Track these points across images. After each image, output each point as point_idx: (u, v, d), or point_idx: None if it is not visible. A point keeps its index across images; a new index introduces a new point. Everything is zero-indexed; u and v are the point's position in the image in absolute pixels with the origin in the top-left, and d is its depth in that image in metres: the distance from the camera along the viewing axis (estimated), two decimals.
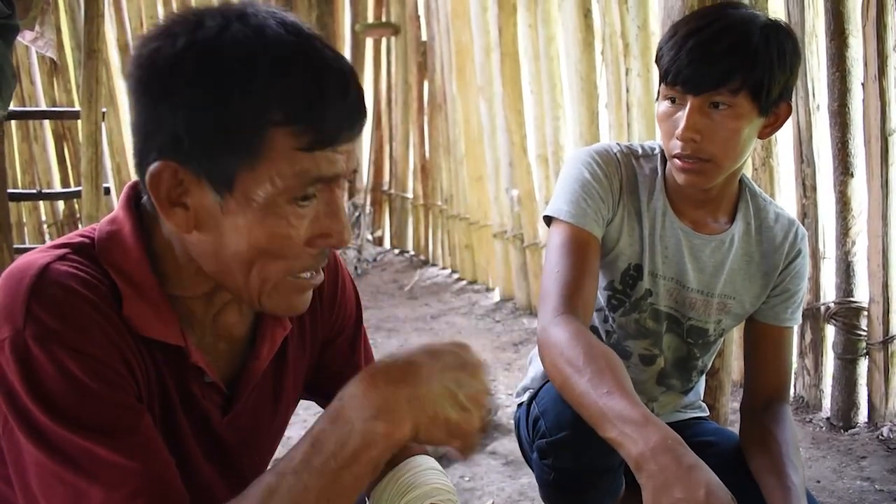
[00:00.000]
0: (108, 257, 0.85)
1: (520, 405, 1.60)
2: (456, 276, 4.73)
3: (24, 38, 2.76)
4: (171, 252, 0.88)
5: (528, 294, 3.91)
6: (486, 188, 4.24)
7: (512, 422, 2.60)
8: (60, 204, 4.96)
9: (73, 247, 0.85)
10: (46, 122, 4.88)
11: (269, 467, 0.98)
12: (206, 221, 0.82)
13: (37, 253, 0.84)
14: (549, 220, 1.44)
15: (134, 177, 0.87)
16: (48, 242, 0.89)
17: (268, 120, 0.78)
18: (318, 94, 0.78)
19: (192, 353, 0.89)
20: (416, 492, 1.06)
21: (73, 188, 4.41)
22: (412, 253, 5.30)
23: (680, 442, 1.03)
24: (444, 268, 4.91)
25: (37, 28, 2.78)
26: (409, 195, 5.25)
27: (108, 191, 3.29)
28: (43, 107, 4.79)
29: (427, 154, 5.00)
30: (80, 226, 5.00)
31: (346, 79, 0.81)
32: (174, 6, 4.90)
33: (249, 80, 0.77)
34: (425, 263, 5.08)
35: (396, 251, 5.40)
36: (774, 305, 1.46)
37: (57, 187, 4.85)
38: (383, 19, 5.26)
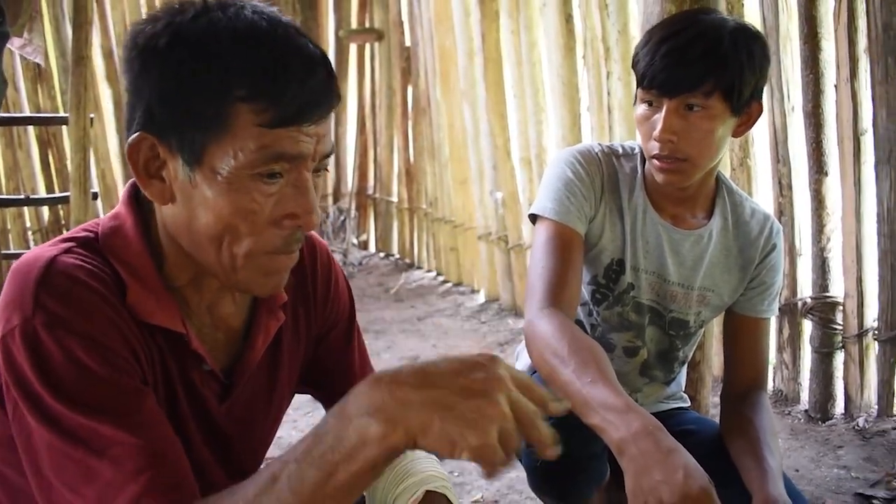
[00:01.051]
0: (111, 250, 0.90)
1: None
2: (441, 278, 4.77)
3: (13, 44, 2.78)
4: (161, 241, 0.93)
5: (513, 295, 3.97)
6: (470, 191, 4.29)
7: None
8: (45, 210, 4.95)
9: (79, 241, 0.90)
10: (31, 129, 4.87)
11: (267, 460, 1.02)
12: (179, 194, 0.87)
13: (44, 247, 0.88)
14: (534, 217, 1.49)
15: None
16: (53, 239, 0.93)
17: (232, 95, 0.82)
18: (282, 73, 0.82)
19: (192, 340, 0.93)
20: (411, 479, 1.10)
21: (59, 194, 4.41)
22: (397, 256, 5.34)
23: (659, 427, 1.08)
24: (429, 270, 4.95)
25: (25, 35, 2.80)
26: (394, 199, 5.29)
27: (96, 196, 3.31)
28: (27, 113, 4.79)
29: (411, 158, 5.03)
30: (65, 232, 5.00)
31: (312, 61, 0.85)
32: None
33: (215, 56, 0.82)
34: (410, 266, 5.12)
35: (381, 255, 5.43)
36: (752, 297, 1.52)
37: (42, 193, 4.85)
38: (367, 25, 5.31)
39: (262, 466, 0.85)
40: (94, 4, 4.63)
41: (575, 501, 1.44)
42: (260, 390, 1.06)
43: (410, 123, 4.99)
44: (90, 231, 0.92)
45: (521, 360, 1.68)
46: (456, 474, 2.23)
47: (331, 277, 1.15)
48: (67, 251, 0.87)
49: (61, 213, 4.93)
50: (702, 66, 1.29)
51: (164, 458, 0.82)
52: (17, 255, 4.47)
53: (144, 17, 0.89)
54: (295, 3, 5.36)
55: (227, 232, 0.86)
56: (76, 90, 2.96)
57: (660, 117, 1.33)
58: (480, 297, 4.31)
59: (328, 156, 0.89)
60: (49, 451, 0.80)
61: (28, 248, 4.74)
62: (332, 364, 1.18)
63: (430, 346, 3.58)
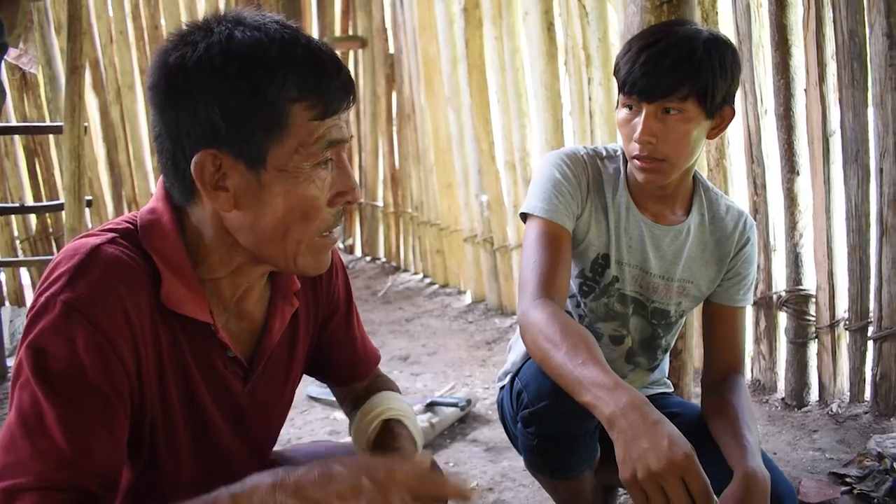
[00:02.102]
0: (150, 242, 0.98)
1: (502, 388, 1.74)
2: (428, 280, 4.86)
3: (9, 55, 2.85)
4: (201, 238, 1.01)
5: (499, 295, 4.06)
6: (456, 194, 4.38)
7: (489, 412, 2.76)
8: (33, 219, 4.98)
9: (121, 232, 0.98)
10: (17, 138, 4.90)
11: None
12: (244, 198, 0.96)
13: (90, 235, 0.96)
14: (524, 216, 1.59)
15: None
16: (99, 226, 1.01)
17: (286, 98, 0.93)
18: (320, 72, 0.95)
19: (218, 330, 1.02)
20: (377, 410, 1.24)
21: (52, 202, 4.45)
22: (384, 260, 5.42)
23: (646, 402, 1.18)
24: (415, 273, 5.04)
25: (21, 45, 2.87)
26: (380, 204, 5.36)
27: (90, 203, 3.37)
28: (13, 122, 4.82)
29: (397, 163, 5.11)
30: (52, 241, 5.06)
31: (336, 60, 0.98)
32: (143, 23, 4.96)
33: (267, 68, 0.92)
34: (397, 269, 5.20)
35: (368, 258, 5.51)
36: (728, 288, 1.63)
37: (28, 202, 4.88)
38: (350, 33, 5.38)
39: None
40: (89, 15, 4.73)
41: (568, 479, 1.54)
42: (278, 371, 1.16)
43: (395, 129, 5.07)
44: (130, 223, 1.00)
45: (513, 353, 1.78)
46: (451, 464, 2.32)
47: (333, 262, 1.25)
48: (111, 241, 0.95)
49: (49, 221, 4.96)
50: (678, 73, 1.40)
51: (76, 470, 0.86)
52: (5, 264, 4.51)
53: (172, 42, 0.95)
54: (279, 10, 5.43)
55: (295, 221, 0.97)
56: (70, 99, 3.03)
57: (640, 121, 1.44)
58: (467, 298, 4.40)
59: (351, 137, 1.04)
60: (12, 411, 0.88)
61: (16, 256, 4.77)
62: (336, 346, 1.29)
63: (420, 345, 3.67)
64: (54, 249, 4.90)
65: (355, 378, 1.35)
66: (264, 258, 1.02)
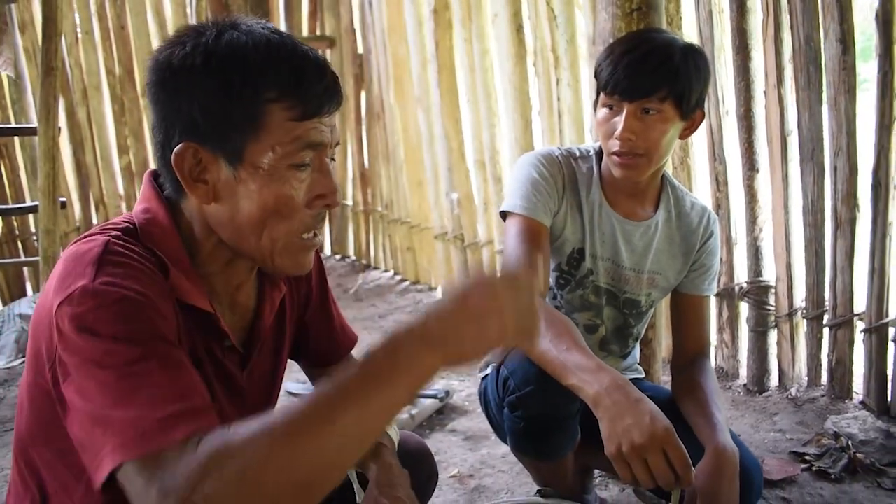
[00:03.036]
0: (150, 238, 1.02)
1: (483, 378, 1.83)
2: (399, 277, 4.92)
3: None
4: (193, 233, 1.06)
5: None
6: (426, 192, 4.45)
7: (466, 403, 2.84)
8: None
9: (121, 230, 1.02)
10: None
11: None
12: (222, 192, 1.00)
13: (92, 235, 0.99)
14: (504, 215, 1.68)
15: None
16: (97, 226, 1.03)
17: (264, 98, 0.97)
18: (302, 75, 0.98)
19: (220, 319, 1.08)
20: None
21: (22, 204, 4.42)
22: (353, 258, 5.46)
23: (627, 382, 1.28)
24: (386, 270, 5.09)
25: None
26: (349, 202, 5.40)
27: (63, 205, 3.37)
28: None
29: (366, 162, 5.16)
30: (18, 243, 5.02)
31: (321, 65, 1.01)
32: (109, 22, 4.94)
33: (246, 69, 0.96)
34: (367, 267, 5.24)
35: (338, 257, 5.55)
36: (694, 279, 1.74)
37: None
38: (318, 33, 5.41)
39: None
40: (72, 15, 4.70)
41: (552, 459, 1.63)
42: (270, 353, 1.24)
43: (364, 128, 5.11)
44: (128, 222, 1.04)
45: None
46: (434, 450, 2.39)
47: None
48: (115, 238, 0.98)
49: (15, 223, 4.92)
50: (657, 75, 1.50)
51: (190, 392, 0.89)
52: None
53: (167, 41, 1.02)
54: (247, 10, 5.44)
55: (269, 218, 1.01)
56: (45, 101, 3.03)
57: (620, 119, 1.54)
58: (438, 294, 4.48)
59: (337, 144, 1.06)
60: (98, 387, 0.86)
61: None
62: (315, 325, 1.36)
63: None
64: (21, 252, 4.87)
65: (334, 358, 1.41)
66: (244, 254, 1.05)
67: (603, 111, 1.58)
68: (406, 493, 1.20)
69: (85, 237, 1.00)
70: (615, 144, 1.56)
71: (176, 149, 0.99)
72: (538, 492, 1.70)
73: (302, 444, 0.79)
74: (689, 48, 1.54)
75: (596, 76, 1.59)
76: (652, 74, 1.49)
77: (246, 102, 0.97)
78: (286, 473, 0.78)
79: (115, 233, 1.00)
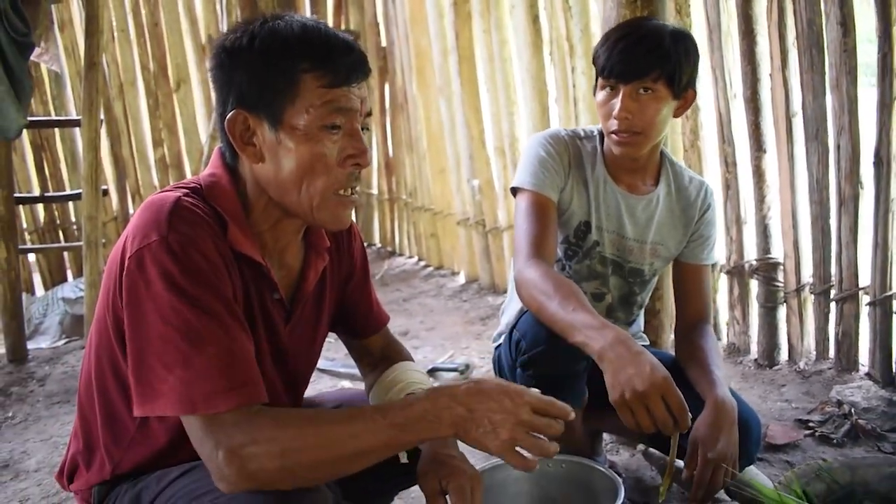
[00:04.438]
0: (213, 197, 1.20)
1: (497, 347, 1.96)
2: (423, 263, 5.06)
3: (33, 53, 3.03)
4: (247, 194, 1.22)
5: (492, 275, 4.27)
6: (448, 180, 4.57)
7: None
8: (40, 211, 5.16)
9: (190, 189, 1.19)
10: (24, 133, 5.07)
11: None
12: (267, 153, 1.17)
13: (166, 192, 1.17)
14: (514, 191, 1.81)
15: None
16: (171, 184, 1.23)
17: (299, 68, 1.14)
18: (331, 50, 1.15)
19: (270, 270, 1.23)
20: (397, 386, 1.43)
21: (69, 192, 4.63)
22: (379, 245, 5.61)
23: (629, 337, 1.40)
24: (411, 256, 5.24)
25: (42, 44, 3.04)
26: (374, 191, 5.55)
27: (105, 192, 3.55)
28: None
29: (390, 151, 5.29)
30: (60, 232, 5.24)
31: (349, 42, 1.18)
32: (143, 19, 5.10)
33: (284, 45, 1.14)
34: (392, 254, 5.39)
35: (364, 244, 5.69)
36: (693, 248, 1.86)
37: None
38: (343, 27, 5.54)
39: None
40: (107, 14, 4.87)
41: None
42: (311, 317, 1.38)
43: (388, 119, 5.24)
44: (196, 183, 1.22)
45: (505, 316, 1.99)
46: None
47: (352, 231, 1.48)
48: (185, 195, 1.15)
49: (56, 213, 5.14)
50: (650, 58, 1.63)
51: (242, 363, 1.08)
52: (26, 251, 4.69)
53: (225, 34, 1.21)
54: (274, 6, 5.59)
55: (307, 174, 1.17)
56: (88, 94, 3.21)
57: (617, 100, 1.66)
58: (461, 279, 4.61)
59: (370, 114, 1.22)
60: (157, 338, 1.05)
61: (26, 244, 4.94)
62: (355, 301, 1.51)
63: (418, 322, 3.88)
64: (62, 239, 5.09)
65: (369, 331, 1.56)
66: (289, 209, 1.21)
67: (601, 94, 1.71)
68: (458, 452, 1.32)
69: (160, 193, 1.17)
70: (614, 124, 1.68)
71: (228, 116, 1.17)
72: None
73: (331, 448, 1.05)
74: (679, 33, 1.66)
75: (594, 62, 1.71)
76: (645, 57, 1.62)
77: (284, 72, 1.14)
78: (316, 460, 1.04)
79: (185, 191, 1.18)
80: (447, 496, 1.23)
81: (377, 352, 1.56)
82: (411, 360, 1.57)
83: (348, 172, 1.19)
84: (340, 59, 1.15)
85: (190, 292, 1.06)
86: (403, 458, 1.37)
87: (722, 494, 1.74)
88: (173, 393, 1.04)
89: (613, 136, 1.70)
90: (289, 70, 1.14)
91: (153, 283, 1.06)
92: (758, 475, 1.81)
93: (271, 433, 1.03)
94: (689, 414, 1.36)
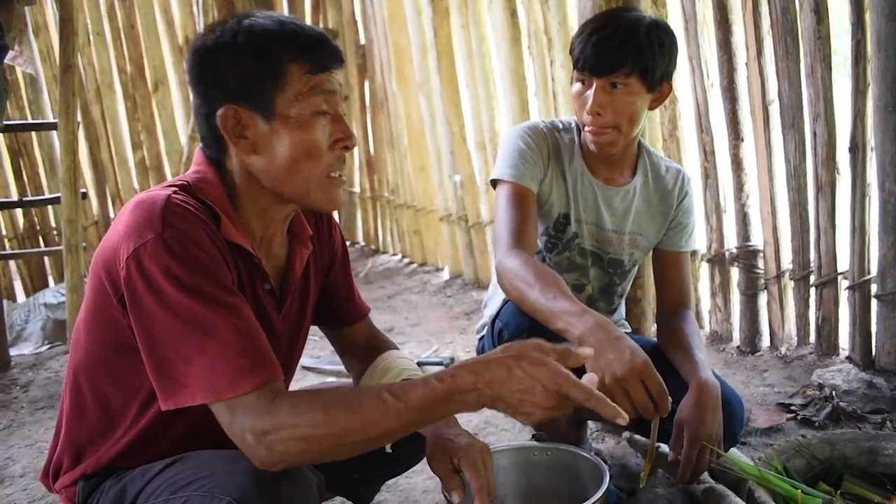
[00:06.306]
0: (202, 192, 1.22)
1: (480, 339, 1.96)
2: (406, 260, 5.06)
3: (7, 56, 3.00)
4: (235, 186, 1.25)
5: (476, 270, 4.28)
6: (430, 176, 4.58)
7: None
8: (20, 217, 5.11)
9: (179, 186, 1.21)
10: (1, 138, 5.02)
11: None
12: (261, 144, 1.20)
13: (156, 190, 1.19)
14: (494, 183, 1.81)
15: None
16: (161, 184, 1.24)
17: (284, 59, 1.18)
18: (312, 40, 1.20)
19: (261, 260, 1.26)
20: (391, 372, 1.46)
21: (46, 196, 4.59)
22: (363, 243, 5.61)
23: (608, 322, 1.41)
24: (394, 254, 5.24)
25: (16, 47, 3.01)
26: (357, 190, 5.54)
27: (84, 195, 3.53)
28: None
29: (371, 149, 5.28)
30: (39, 237, 5.20)
31: (323, 34, 1.23)
32: (119, 22, 5.06)
33: (269, 38, 1.18)
34: (376, 252, 5.39)
35: (347, 243, 5.66)
36: (672, 236, 1.87)
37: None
38: (321, 25, 5.53)
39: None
40: (82, 17, 4.84)
41: None
42: (299, 305, 1.41)
43: (369, 116, 5.23)
44: (184, 181, 1.23)
45: (488, 309, 2.00)
46: None
47: (331, 220, 1.51)
48: (175, 193, 1.17)
49: (36, 218, 5.10)
50: (622, 52, 1.63)
51: (256, 344, 1.10)
52: (4, 256, 4.64)
53: (199, 35, 1.23)
54: (252, 6, 5.57)
55: (301, 160, 1.21)
56: (64, 97, 3.19)
57: (590, 94, 1.66)
58: (445, 275, 4.62)
59: (346, 98, 1.25)
60: (171, 333, 1.07)
61: (6, 250, 4.90)
62: (336, 289, 1.53)
63: (403, 318, 3.88)
64: (42, 244, 5.05)
65: (353, 318, 1.58)
66: (284, 195, 1.24)
67: (576, 86, 1.71)
68: (461, 430, 1.33)
69: (148, 192, 1.18)
70: (587, 118, 1.69)
71: (219, 112, 1.19)
72: (533, 436, 1.83)
73: (351, 435, 1.06)
74: (654, 24, 1.66)
75: (570, 53, 1.72)
76: (617, 50, 1.62)
77: (271, 63, 1.18)
78: (337, 444, 1.06)
79: (173, 188, 1.20)
80: (461, 474, 1.23)
81: (362, 342, 1.58)
82: (397, 349, 1.58)
83: (337, 155, 1.24)
84: (319, 48, 1.21)
85: (193, 284, 1.08)
86: (388, 448, 1.37)
87: (706, 476, 1.76)
88: (197, 383, 1.06)
89: (587, 130, 1.71)
90: (275, 61, 1.18)
91: (156, 281, 1.08)
92: (741, 458, 1.83)
93: (293, 419, 1.05)
94: (670, 398, 1.37)
